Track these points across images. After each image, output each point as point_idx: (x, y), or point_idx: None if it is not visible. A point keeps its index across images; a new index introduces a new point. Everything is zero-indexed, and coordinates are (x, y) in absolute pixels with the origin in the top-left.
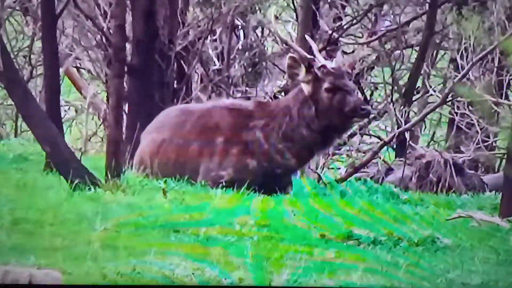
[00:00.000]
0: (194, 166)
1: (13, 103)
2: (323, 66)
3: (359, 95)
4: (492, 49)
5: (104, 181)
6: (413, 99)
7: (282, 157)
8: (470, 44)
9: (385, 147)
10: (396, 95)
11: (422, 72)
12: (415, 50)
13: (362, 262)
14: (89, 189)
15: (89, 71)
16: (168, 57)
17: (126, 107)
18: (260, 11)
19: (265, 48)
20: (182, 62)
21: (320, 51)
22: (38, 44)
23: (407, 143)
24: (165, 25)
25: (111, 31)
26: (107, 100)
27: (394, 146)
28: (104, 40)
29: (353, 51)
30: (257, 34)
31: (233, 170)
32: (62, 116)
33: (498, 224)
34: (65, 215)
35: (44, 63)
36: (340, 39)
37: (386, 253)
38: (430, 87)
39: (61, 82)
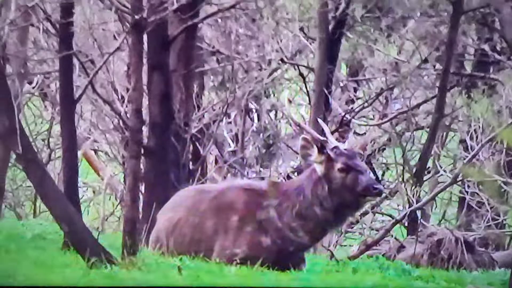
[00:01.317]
0: (209, 244)
1: (31, 184)
2: (336, 147)
3: (371, 175)
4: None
5: (120, 259)
6: (424, 179)
7: (296, 235)
8: (479, 126)
9: (397, 225)
10: (407, 175)
11: (432, 153)
12: (426, 131)
13: None
14: (106, 267)
15: (106, 153)
16: (183, 139)
17: (142, 188)
18: (273, 95)
19: (279, 130)
20: (197, 144)
21: (332, 132)
22: (56, 128)
23: (419, 221)
24: (180, 108)
25: (128, 115)
26: (124, 181)
27: (406, 224)
28: (121, 123)
29: (365, 133)
30: (270, 117)
31: (247, 248)
32: (80, 196)
33: None
34: None
35: (63, 146)
36: (352, 121)
37: None
38: (441, 167)
39: (79, 164)
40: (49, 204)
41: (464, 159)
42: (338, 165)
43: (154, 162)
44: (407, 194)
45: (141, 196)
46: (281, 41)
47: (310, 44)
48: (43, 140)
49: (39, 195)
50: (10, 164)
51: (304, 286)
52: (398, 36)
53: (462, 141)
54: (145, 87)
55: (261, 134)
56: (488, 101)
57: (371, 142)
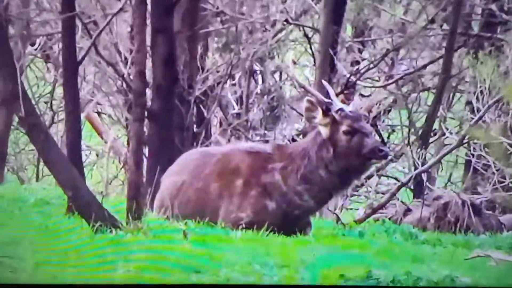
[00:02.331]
0: (214, 208)
1: (34, 148)
2: (341, 109)
3: (377, 137)
4: None
5: (125, 223)
6: (430, 141)
7: (301, 199)
8: (485, 87)
9: (403, 188)
10: (413, 137)
11: (438, 114)
12: (432, 93)
13: None
14: (111, 231)
15: (109, 116)
16: (187, 102)
17: (146, 151)
18: (278, 56)
19: (283, 92)
20: (201, 106)
21: (337, 94)
22: (59, 90)
23: (425, 184)
24: (184, 71)
25: (131, 77)
26: (128, 144)
27: (412, 187)
28: (124, 85)
29: (370, 95)
30: (275, 79)
31: (252, 212)
32: (84, 160)
33: None
34: (87, 257)
35: (66, 109)
36: (358, 82)
37: None
38: (447, 129)
39: (82, 127)
40: (53, 169)
41: (470, 121)
42: (343, 128)
43: (158, 125)
44: (413, 157)
45: (144, 160)
46: (285, 1)
47: (315, 4)
48: (45, 102)
49: (42, 159)
50: (12, 128)
51: (310, 250)
52: None
53: (469, 103)
54: (148, 49)
55: (265, 96)
56: (495, 62)
57: (376, 104)
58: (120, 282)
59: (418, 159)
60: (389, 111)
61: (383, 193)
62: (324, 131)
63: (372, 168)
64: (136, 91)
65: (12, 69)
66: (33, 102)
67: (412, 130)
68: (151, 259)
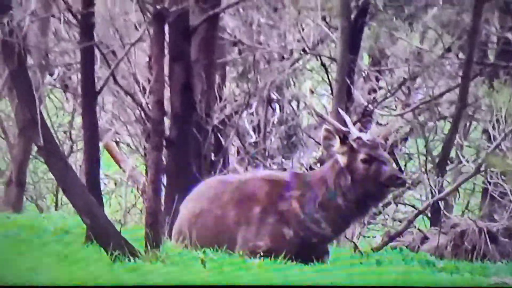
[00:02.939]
0: (231, 235)
1: (53, 176)
2: (358, 137)
3: (394, 165)
4: None
5: (143, 252)
6: (447, 169)
7: (318, 227)
8: (501, 115)
9: (420, 216)
10: (430, 165)
11: (455, 143)
12: (448, 121)
13: None
14: (129, 260)
15: (128, 145)
16: (205, 130)
17: (164, 180)
18: (295, 85)
19: (301, 121)
20: (219, 135)
21: (354, 123)
22: (78, 120)
23: (442, 212)
24: (202, 99)
25: (149, 106)
26: (146, 173)
27: (429, 215)
28: (143, 114)
29: (387, 123)
30: (292, 107)
31: (270, 240)
32: (102, 189)
33: None
34: (105, 286)
35: (84, 138)
36: (375, 111)
37: None
38: (463, 157)
39: (100, 156)
40: (71, 197)
41: (487, 149)
42: (361, 156)
43: (176, 153)
44: (430, 184)
45: (163, 188)
46: (303, 30)
47: (332, 33)
48: (64, 132)
49: (61, 188)
50: (31, 157)
51: (327, 278)
52: (420, 25)
53: (485, 131)
54: (166, 78)
55: (282, 125)
56: (511, 91)
57: (393, 132)
58: None
59: (435, 186)
60: (406, 139)
61: (400, 221)
62: (342, 159)
63: (390, 196)
64: (154, 120)
65: (31, 98)
66: (52, 131)
67: (429, 158)
68: (169, 287)
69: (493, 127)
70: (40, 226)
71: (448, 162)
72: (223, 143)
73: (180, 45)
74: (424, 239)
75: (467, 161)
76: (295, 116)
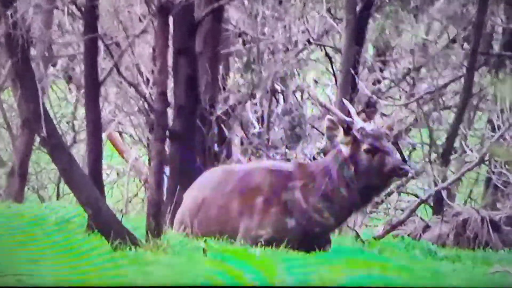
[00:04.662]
0: (234, 225)
1: (56, 167)
2: (362, 128)
3: (398, 155)
4: None
5: (145, 241)
6: (451, 158)
7: (321, 216)
8: (506, 105)
9: (422, 205)
10: (434, 155)
11: (459, 132)
12: (453, 111)
13: None
14: (130, 249)
15: (131, 136)
16: (209, 121)
17: (167, 170)
18: (299, 76)
19: (304, 111)
20: (222, 126)
21: (358, 113)
22: (81, 111)
23: (444, 201)
24: (206, 90)
25: (153, 97)
26: (149, 163)
27: (431, 204)
28: (146, 106)
29: (391, 113)
30: (296, 98)
31: (272, 229)
32: (104, 179)
33: None
34: (107, 275)
35: (87, 129)
36: (379, 101)
37: None
38: (467, 147)
39: (103, 146)
40: (73, 188)
41: (491, 138)
42: (365, 146)
43: (179, 144)
44: (433, 174)
45: (165, 179)
46: (307, 22)
47: (337, 25)
48: (67, 123)
49: (64, 179)
50: (34, 148)
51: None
52: (425, 16)
53: (489, 121)
54: (170, 70)
55: (286, 116)
56: None
57: (397, 122)
58: None
59: (439, 176)
60: (410, 129)
61: (402, 210)
62: (345, 150)
63: (392, 185)
64: (158, 111)
65: (34, 89)
66: (55, 122)
67: (433, 148)
68: (170, 276)
69: (497, 117)
70: (42, 215)
71: (452, 152)
72: (226, 134)
73: (185, 37)
74: (426, 227)
75: (471, 151)
76: (299, 106)
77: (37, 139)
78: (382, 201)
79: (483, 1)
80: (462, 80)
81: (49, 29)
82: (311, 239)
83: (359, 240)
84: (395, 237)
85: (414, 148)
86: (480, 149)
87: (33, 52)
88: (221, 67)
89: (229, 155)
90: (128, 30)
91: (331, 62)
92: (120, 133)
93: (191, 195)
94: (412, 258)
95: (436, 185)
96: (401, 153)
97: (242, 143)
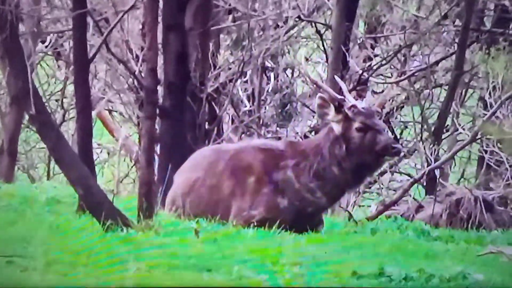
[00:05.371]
0: (226, 205)
1: (45, 146)
2: (354, 106)
3: (390, 134)
4: None
5: (136, 222)
6: (443, 137)
7: (313, 196)
8: (498, 83)
9: (415, 185)
10: (425, 134)
11: (451, 110)
12: (444, 89)
13: None
14: (122, 230)
15: (121, 114)
16: (199, 99)
17: (158, 149)
18: (290, 53)
19: (295, 89)
20: (213, 103)
21: (350, 91)
22: (70, 88)
23: (437, 180)
24: (196, 68)
25: (143, 74)
26: (139, 142)
27: (424, 184)
28: (136, 83)
29: (382, 91)
30: (287, 76)
31: (264, 210)
32: (95, 158)
33: None
34: (98, 256)
35: (77, 107)
36: (370, 79)
37: None
38: (459, 125)
39: (93, 125)
40: (64, 167)
41: (483, 116)
42: (356, 124)
43: (169, 122)
44: (425, 153)
45: (156, 158)
46: None
47: (328, 1)
48: (56, 100)
49: (53, 158)
50: (23, 126)
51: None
52: None
53: (481, 99)
54: (160, 47)
55: (277, 93)
56: (507, 58)
57: (389, 100)
58: (131, 281)
59: (431, 155)
60: (402, 107)
61: (395, 190)
62: (337, 128)
63: (385, 165)
64: (148, 89)
65: (23, 66)
66: (44, 100)
67: (425, 126)
68: (162, 257)
69: (490, 95)
70: (32, 195)
71: (444, 130)
72: (217, 111)
73: (175, 13)
74: (419, 208)
75: (463, 129)
76: (290, 84)
77: (26, 117)
78: (375, 181)
79: None
80: (454, 57)
81: (38, 4)
82: (303, 219)
83: (351, 220)
84: (388, 217)
85: (405, 127)
86: (472, 128)
87: (21, 28)
88: (211, 44)
89: (220, 133)
90: (117, 5)
91: (322, 39)
92: (110, 111)
93: (182, 176)
94: (405, 239)
95: (428, 164)
96: (392, 131)
97: (233, 121)
